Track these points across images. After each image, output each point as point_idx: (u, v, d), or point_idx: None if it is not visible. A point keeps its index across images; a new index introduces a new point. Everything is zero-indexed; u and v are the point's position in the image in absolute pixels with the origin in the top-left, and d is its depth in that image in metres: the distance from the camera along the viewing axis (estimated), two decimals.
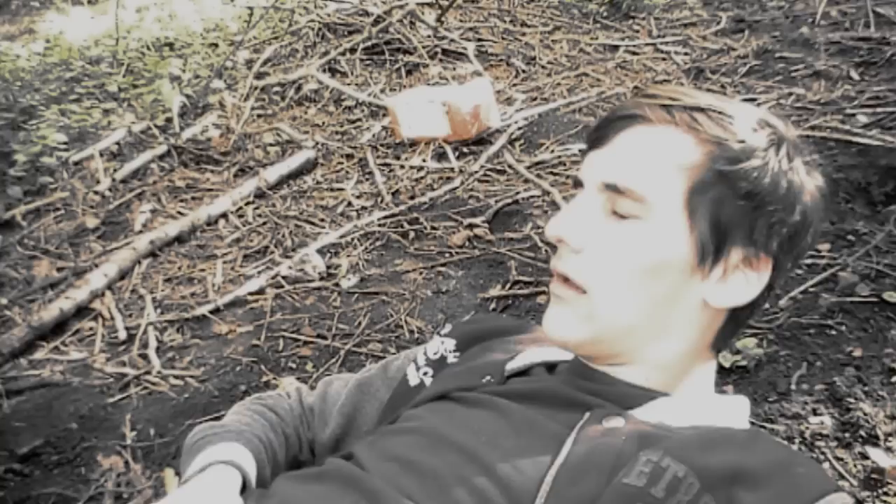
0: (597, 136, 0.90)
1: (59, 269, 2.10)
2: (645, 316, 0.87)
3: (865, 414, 1.40)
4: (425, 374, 1.09)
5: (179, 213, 2.34)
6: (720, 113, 0.87)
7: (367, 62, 3.20)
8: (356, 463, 0.87)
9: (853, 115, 2.27)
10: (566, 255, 0.88)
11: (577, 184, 0.92)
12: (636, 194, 0.85)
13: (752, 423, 1.42)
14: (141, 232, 2.36)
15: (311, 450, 1.16)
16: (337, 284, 1.95)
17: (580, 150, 2.36)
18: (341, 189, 2.45)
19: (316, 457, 1.16)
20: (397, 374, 1.14)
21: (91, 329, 1.98)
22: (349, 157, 2.65)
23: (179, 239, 2.30)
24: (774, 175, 0.85)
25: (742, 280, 0.86)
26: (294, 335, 1.82)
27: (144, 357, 1.84)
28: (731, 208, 0.85)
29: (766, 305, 0.96)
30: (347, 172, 2.55)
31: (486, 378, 0.95)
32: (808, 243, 0.89)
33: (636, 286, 0.85)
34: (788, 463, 0.78)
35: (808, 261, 1.77)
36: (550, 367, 0.97)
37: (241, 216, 2.31)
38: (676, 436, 0.81)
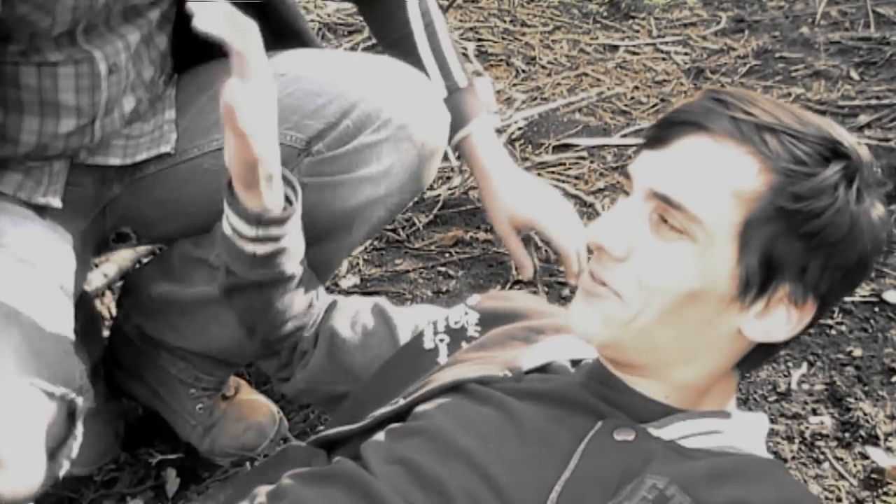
0: (656, 136, 0.84)
1: None
2: (673, 337, 0.83)
3: (865, 414, 1.40)
4: (441, 340, 1.08)
5: None
6: (794, 136, 0.79)
7: None
8: (364, 464, 0.86)
9: (853, 114, 2.27)
10: (607, 262, 0.84)
11: (627, 176, 0.86)
12: (689, 213, 0.80)
13: None
14: None
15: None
16: (336, 284, 1.95)
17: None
18: None
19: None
20: (408, 328, 1.17)
21: None
22: None
23: None
24: (839, 216, 0.79)
25: (783, 317, 0.82)
26: None
27: None
28: (786, 246, 0.80)
29: None
30: None
31: (505, 373, 0.93)
32: (859, 282, 0.85)
33: (670, 307, 0.81)
34: (794, 502, 0.76)
35: None
36: (572, 363, 0.95)
37: None
38: (686, 463, 0.79)
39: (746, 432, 0.87)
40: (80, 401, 1.07)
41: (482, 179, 1.47)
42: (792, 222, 0.79)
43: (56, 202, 1.28)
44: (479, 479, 0.79)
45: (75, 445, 1.09)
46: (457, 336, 1.08)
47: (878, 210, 0.83)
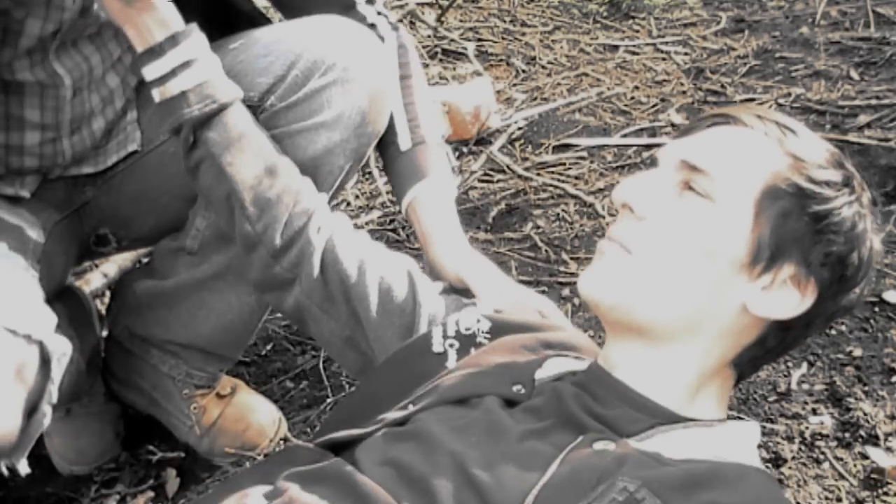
0: (685, 130, 0.94)
1: None
2: (684, 296, 0.87)
3: (865, 414, 1.40)
4: (451, 345, 1.09)
5: None
6: (808, 139, 0.90)
7: None
8: (358, 466, 0.87)
9: (853, 114, 2.27)
10: (626, 222, 0.89)
11: (653, 164, 0.93)
12: (713, 176, 0.87)
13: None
14: None
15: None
16: None
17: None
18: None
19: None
20: (415, 321, 1.17)
21: None
22: None
23: None
24: (844, 210, 0.88)
25: (786, 296, 0.87)
26: (294, 335, 1.82)
27: None
28: (796, 224, 0.87)
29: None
30: None
31: (517, 387, 0.95)
32: (853, 298, 0.91)
33: (686, 263, 0.86)
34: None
35: None
36: (573, 375, 0.96)
37: None
38: (660, 469, 0.79)
39: (733, 441, 0.88)
40: (52, 345, 1.06)
41: (423, 242, 1.37)
42: (804, 201, 0.87)
43: (25, 193, 1.31)
44: (462, 478, 0.81)
45: (54, 390, 1.09)
46: (466, 342, 1.08)
47: (876, 241, 0.92)
